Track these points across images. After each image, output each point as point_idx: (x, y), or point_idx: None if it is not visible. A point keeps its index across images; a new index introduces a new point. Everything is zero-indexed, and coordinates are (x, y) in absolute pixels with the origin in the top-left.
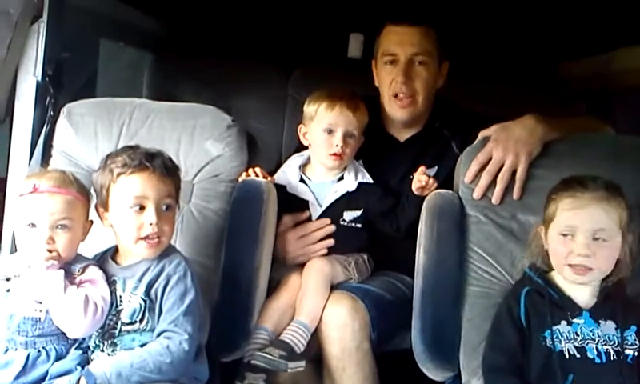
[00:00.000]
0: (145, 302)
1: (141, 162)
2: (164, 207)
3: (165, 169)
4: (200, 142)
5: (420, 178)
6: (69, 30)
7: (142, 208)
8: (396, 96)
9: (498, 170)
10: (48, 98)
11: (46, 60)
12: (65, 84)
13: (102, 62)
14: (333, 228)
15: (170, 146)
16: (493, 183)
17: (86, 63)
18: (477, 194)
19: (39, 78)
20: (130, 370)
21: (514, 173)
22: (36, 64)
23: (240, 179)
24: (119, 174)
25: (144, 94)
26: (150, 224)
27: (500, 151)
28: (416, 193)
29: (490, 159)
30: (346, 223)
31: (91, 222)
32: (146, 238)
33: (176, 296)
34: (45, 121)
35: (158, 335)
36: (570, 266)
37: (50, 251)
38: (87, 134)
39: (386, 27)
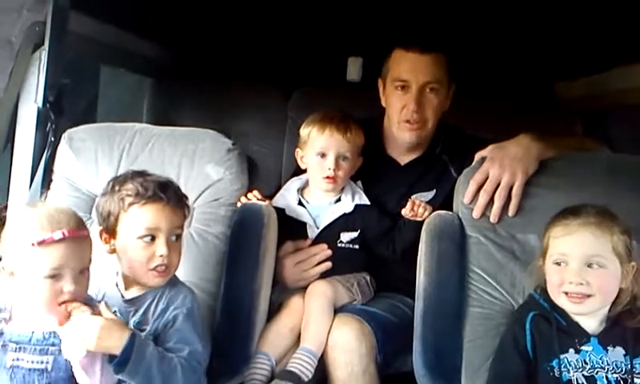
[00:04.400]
0: (151, 337)
1: (155, 194)
2: (174, 238)
3: (177, 199)
4: (200, 166)
5: (414, 209)
6: (70, 58)
7: (152, 239)
8: (407, 121)
9: (496, 189)
10: (49, 124)
11: (47, 87)
12: (65, 110)
13: (103, 88)
14: (329, 252)
15: (170, 170)
16: (491, 202)
17: (87, 89)
18: (476, 214)
19: (40, 105)
20: (151, 357)
21: (511, 191)
22: (37, 91)
23: (239, 203)
24: (131, 204)
25: (144, 119)
26: (161, 256)
27: (496, 170)
28: (409, 218)
29: (487, 178)
30: (343, 244)
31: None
32: (155, 268)
33: (185, 331)
34: (46, 146)
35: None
36: (565, 293)
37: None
38: (88, 159)
39: (396, 51)
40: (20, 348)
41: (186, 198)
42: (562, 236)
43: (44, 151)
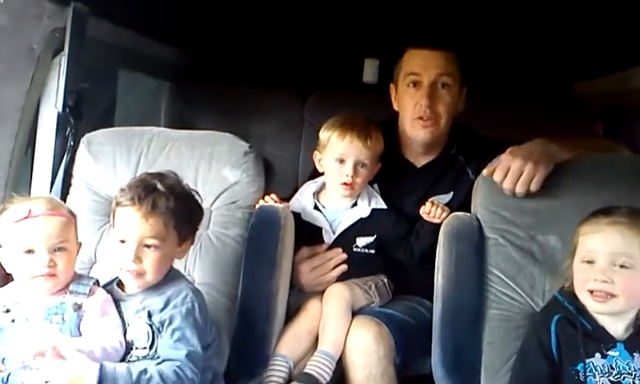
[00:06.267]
0: (151, 326)
1: (132, 198)
2: (145, 246)
3: (152, 207)
4: (217, 168)
5: (430, 210)
6: (89, 63)
7: (123, 242)
8: (420, 118)
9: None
10: (69, 129)
11: (66, 92)
12: (84, 114)
13: (121, 92)
14: (344, 256)
15: (187, 173)
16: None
17: (105, 94)
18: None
19: (60, 109)
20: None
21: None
22: (57, 95)
23: (257, 205)
24: (117, 204)
25: (162, 123)
26: (128, 260)
27: (519, 161)
28: (426, 218)
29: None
30: (359, 249)
31: (80, 244)
32: (127, 270)
33: (184, 330)
34: (65, 151)
35: (164, 361)
36: (589, 292)
37: (52, 275)
38: (106, 163)
39: (407, 52)
40: (27, 319)
41: (169, 208)
42: (591, 233)
43: (64, 155)
